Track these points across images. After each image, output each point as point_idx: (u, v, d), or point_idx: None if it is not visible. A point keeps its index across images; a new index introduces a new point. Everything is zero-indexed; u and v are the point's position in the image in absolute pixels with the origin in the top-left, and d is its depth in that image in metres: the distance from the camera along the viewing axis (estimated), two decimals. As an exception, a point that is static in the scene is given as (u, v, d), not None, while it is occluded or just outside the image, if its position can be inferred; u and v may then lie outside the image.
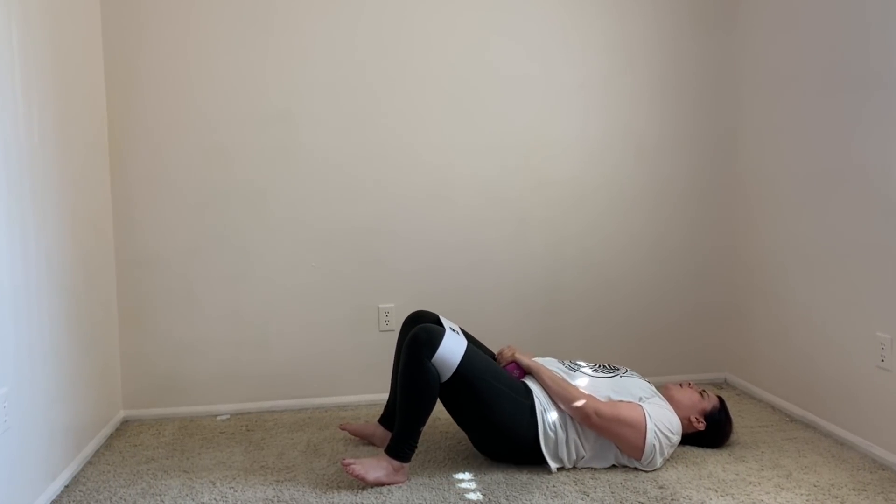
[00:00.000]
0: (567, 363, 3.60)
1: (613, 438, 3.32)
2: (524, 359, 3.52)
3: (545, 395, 3.37)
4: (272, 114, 4.16)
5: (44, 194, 3.16)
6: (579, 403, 3.28)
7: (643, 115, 4.54)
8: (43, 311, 3.13)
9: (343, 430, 3.75)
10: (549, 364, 3.56)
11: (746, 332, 4.55)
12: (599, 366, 3.66)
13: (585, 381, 3.46)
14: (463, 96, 4.33)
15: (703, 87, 4.59)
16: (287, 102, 4.17)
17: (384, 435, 3.62)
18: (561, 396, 3.33)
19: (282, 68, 4.15)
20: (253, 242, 4.19)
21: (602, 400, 3.35)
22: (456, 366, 3.19)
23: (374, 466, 3.20)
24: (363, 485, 3.21)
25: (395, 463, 3.22)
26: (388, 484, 3.21)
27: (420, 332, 3.23)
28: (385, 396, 4.18)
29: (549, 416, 3.32)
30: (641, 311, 4.65)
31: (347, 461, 3.20)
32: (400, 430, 3.23)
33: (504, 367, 3.55)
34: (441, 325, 3.41)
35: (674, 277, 4.66)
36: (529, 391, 3.38)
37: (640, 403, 3.36)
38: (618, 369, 3.62)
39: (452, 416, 3.40)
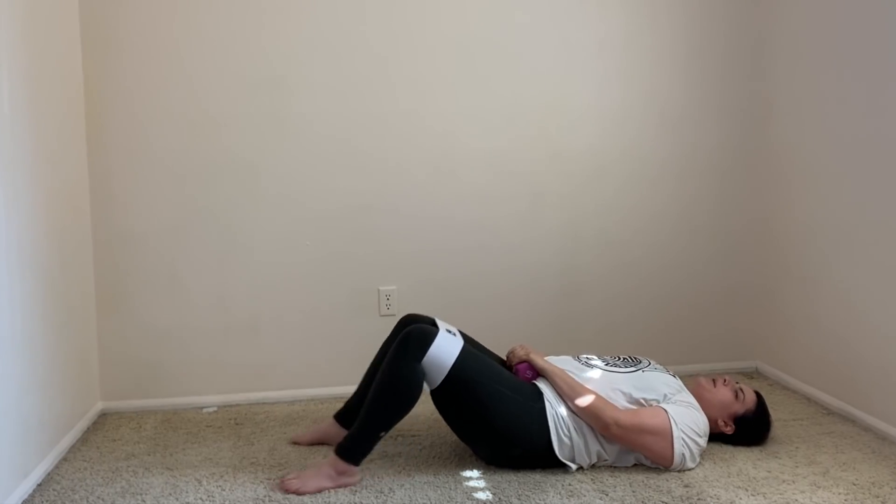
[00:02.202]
0: (583, 359, 3.56)
1: (638, 449, 3.27)
2: (538, 359, 3.46)
3: (558, 398, 3.33)
4: (264, 79, 4.12)
5: (15, 168, 3.12)
6: (596, 413, 3.23)
7: (666, 80, 4.50)
8: (14, 295, 3.09)
9: (295, 444, 3.68)
10: (565, 364, 3.49)
11: (779, 316, 4.52)
12: (620, 358, 3.61)
13: (598, 374, 3.42)
14: (472, 59, 4.29)
15: (732, 47, 4.54)
16: (280, 67, 4.13)
17: (339, 433, 3.48)
18: (576, 403, 3.27)
19: (276, 29, 4.10)
20: (242, 220, 4.17)
21: (622, 401, 3.31)
22: (449, 366, 3.15)
23: (313, 476, 3.15)
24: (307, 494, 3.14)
25: (343, 465, 3.16)
26: (334, 488, 3.15)
27: (412, 330, 3.20)
28: None
29: (561, 420, 3.27)
30: (665, 294, 4.62)
31: (286, 478, 3.18)
32: (360, 429, 3.17)
33: (515, 366, 3.50)
34: (436, 326, 3.38)
35: (700, 258, 4.63)
36: (540, 394, 3.33)
37: (663, 406, 3.30)
38: (640, 362, 3.57)
39: (454, 430, 3.36)
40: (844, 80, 3.91)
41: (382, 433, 3.17)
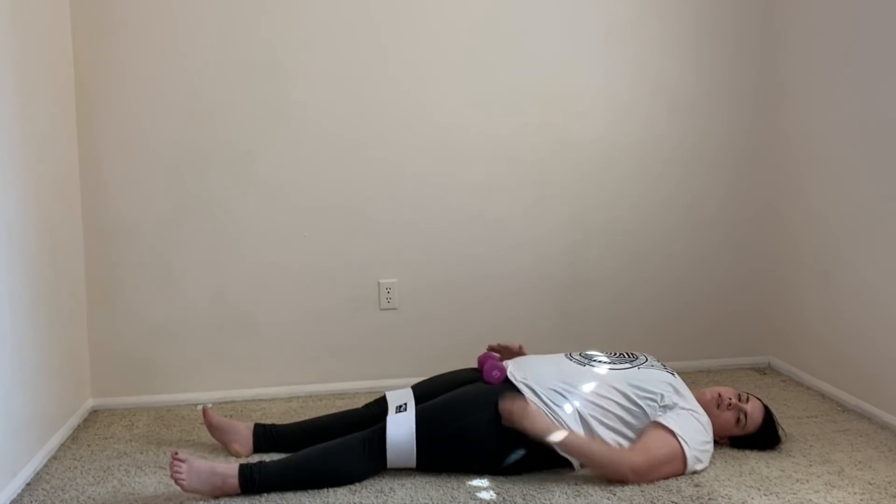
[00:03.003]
0: (576, 357, 3.51)
1: (657, 480, 3.19)
2: (536, 423, 3.17)
3: (543, 389, 3.28)
4: (261, 65, 4.10)
5: (2, 158, 3.10)
6: (614, 468, 3.14)
7: (676, 66, 4.47)
8: (2, 289, 3.08)
9: (204, 414, 3.56)
10: (557, 363, 3.46)
11: (793, 309, 4.49)
12: (615, 354, 3.58)
13: (604, 371, 3.38)
14: (476, 45, 4.26)
15: (744, 33, 4.51)
16: (278, 52, 4.11)
17: (246, 442, 3.48)
18: (592, 465, 3.18)
19: (273, 13, 4.08)
20: (238, 211, 4.15)
21: (619, 399, 3.27)
22: (414, 443, 3.19)
23: (201, 474, 3.04)
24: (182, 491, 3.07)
25: (234, 486, 3.06)
26: (204, 496, 3.06)
27: (376, 434, 3.24)
28: (385, 383, 4.17)
29: (551, 416, 3.22)
30: (674, 287, 4.60)
31: (179, 457, 3.04)
32: (279, 472, 3.12)
33: (483, 358, 3.48)
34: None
35: (710, 249, 4.61)
36: (520, 395, 3.28)
37: (669, 426, 3.21)
38: (636, 358, 3.54)
39: (454, 470, 3.32)
40: (860, 66, 3.87)
41: (291, 491, 3.13)
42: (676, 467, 3.20)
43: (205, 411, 3.54)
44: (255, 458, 3.39)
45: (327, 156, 4.19)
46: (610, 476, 3.16)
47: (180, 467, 2.99)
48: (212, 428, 3.53)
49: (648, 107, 4.47)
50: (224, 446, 3.51)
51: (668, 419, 3.24)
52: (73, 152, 3.94)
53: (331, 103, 4.17)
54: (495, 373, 3.37)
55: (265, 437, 3.51)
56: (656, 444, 3.19)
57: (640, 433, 3.25)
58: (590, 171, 4.44)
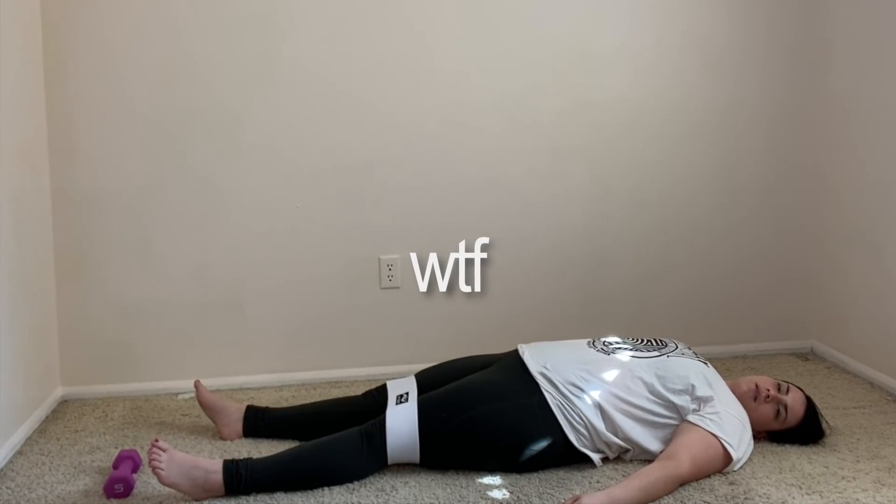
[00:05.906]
0: (599, 344, 3.50)
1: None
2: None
3: (559, 382, 3.26)
4: (251, 17, 4.06)
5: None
6: (671, 488, 3.06)
7: (708, 18, 4.43)
8: (-41, 264, 3.05)
9: (196, 387, 3.60)
10: (578, 350, 3.44)
11: (839, 289, 4.47)
12: (641, 341, 3.56)
13: (627, 359, 3.36)
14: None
15: (785, -21, 4.47)
16: (269, 2, 4.07)
17: (235, 426, 3.55)
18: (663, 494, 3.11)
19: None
20: (224, 178, 4.13)
21: (643, 391, 3.24)
22: (417, 439, 3.17)
23: (181, 467, 2.98)
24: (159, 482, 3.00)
25: (218, 484, 3.01)
26: (184, 493, 3.01)
27: (374, 429, 3.21)
28: (386, 370, 4.18)
29: (568, 407, 3.21)
30: (706, 262, 4.58)
31: (160, 444, 2.99)
32: (270, 469, 3.09)
33: (119, 458, 3.29)
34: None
35: (745, 220, 4.59)
36: (534, 384, 3.27)
37: (712, 432, 3.17)
38: (665, 345, 3.52)
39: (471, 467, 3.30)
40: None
41: (282, 491, 3.08)
42: (718, 469, 3.18)
43: (197, 386, 3.59)
44: (244, 454, 3.38)
45: (323, 118, 4.16)
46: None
47: (160, 455, 2.95)
48: (203, 406, 3.60)
49: (676, 64, 4.43)
50: (211, 421, 3.62)
51: (708, 423, 3.20)
52: (41, 112, 3.91)
53: (327, 59, 4.13)
54: (117, 487, 3.09)
55: (255, 421, 3.55)
56: (700, 452, 3.15)
57: (670, 428, 3.24)
58: (612, 134, 4.41)
